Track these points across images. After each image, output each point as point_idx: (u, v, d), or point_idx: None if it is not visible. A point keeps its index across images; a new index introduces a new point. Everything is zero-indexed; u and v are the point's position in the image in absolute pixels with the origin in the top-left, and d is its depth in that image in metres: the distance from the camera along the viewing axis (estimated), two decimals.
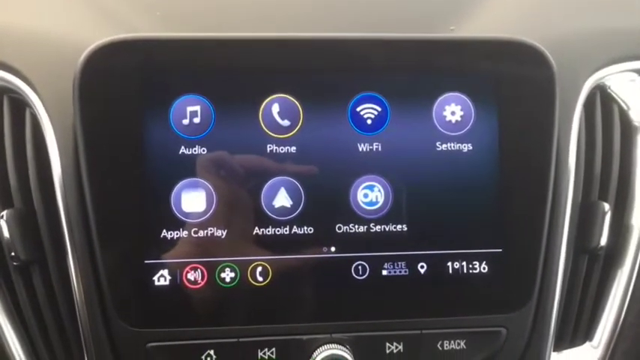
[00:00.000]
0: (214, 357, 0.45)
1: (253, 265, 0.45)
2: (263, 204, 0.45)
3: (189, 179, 0.45)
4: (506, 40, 0.47)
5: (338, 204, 0.46)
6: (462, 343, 0.47)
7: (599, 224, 0.51)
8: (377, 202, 0.46)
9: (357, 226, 0.46)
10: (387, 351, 0.47)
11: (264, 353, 0.46)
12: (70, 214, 0.45)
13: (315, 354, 0.46)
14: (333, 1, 0.57)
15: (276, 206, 0.46)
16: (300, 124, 0.46)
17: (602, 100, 0.54)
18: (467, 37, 0.49)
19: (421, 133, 0.47)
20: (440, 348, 0.47)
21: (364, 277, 0.46)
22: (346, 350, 0.46)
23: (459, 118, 0.47)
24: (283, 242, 0.45)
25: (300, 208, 0.46)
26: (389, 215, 0.46)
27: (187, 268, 0.45)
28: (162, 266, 0.45)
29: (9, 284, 0.47)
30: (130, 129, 0.44)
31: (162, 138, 0.44)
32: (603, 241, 0.51)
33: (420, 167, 0.46)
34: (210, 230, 0.45)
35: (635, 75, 0.54)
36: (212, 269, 0.45)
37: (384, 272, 0.46)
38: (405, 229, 0.47)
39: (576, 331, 0.53)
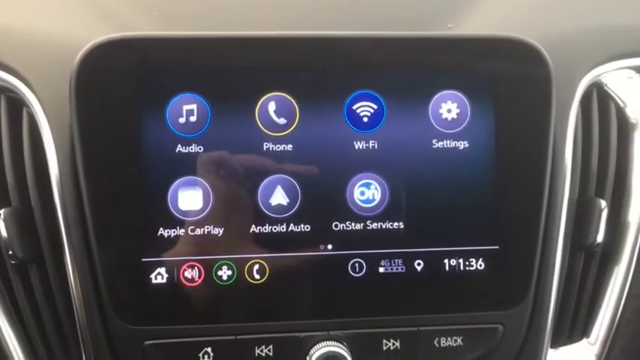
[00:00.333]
0: (212, 354, 0.45)
1: (250, 263, 0.45)
2: (260, 202, 0.45)
3: (185, 177, 0.45)
4: (502, 38, 0.47)
5: (335, 202, 0.46)
6: (459, 340, 0.47)
7: (596, 221, 0.51)
8: (373, 200, 0.46)
9: (353, 224, 0.46)
10: (384, 348, 0.47)
11: (262, 350, 0.46)
12: (68, 212, 0.45)
13: (312, 351, 0.46)
14: (331, 0, 0.57)
15: (273, 204, 0.46)
16: (296, 122, 0.46)
17: (599, 97, 0.54)
18: (463, 34, 0.49)
19: (417, 131, 0.47)
20: (437, 345, 0.47)
21: (361, 274, 0.46)
22: (343, 347, 0.46)
23: (456, 116, 0.47)
24: (280, 240, 0.46)
25: (296, 206, 0.46)
26: (385, 213, 0.46)
27: (184, 266, 0.45)
28: (160, 264, 0.45)
29: (7, 283, 0.47)
30: (126, 127, 0.44)
31: (158, 136, 0.44)
32: (600, 237, 0.51)
33: (417, 165, 0.47)
34: (207, 228, 0.45)
35: (631, 72, 0.54)
36: (209, 267, 0.45)
37: (381, 270, 0.47)
38: (402, 226, 0.47)
39: (573, 327, 0.53)
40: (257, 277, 0.46)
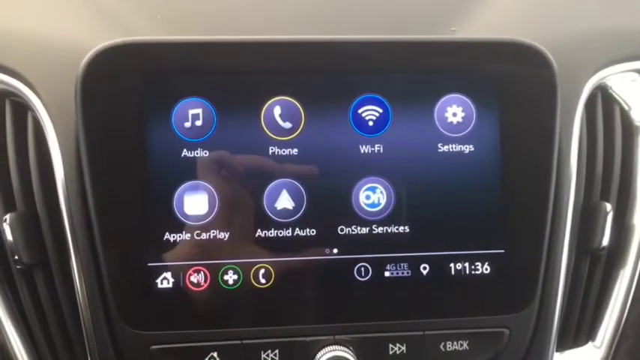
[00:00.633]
0: (217, 359, 0.45)
1: (256, 267, 0.45)
2: (265, 206, 0.45)
3: (191, 182, 0.45)
4: (507, 42, 0.47)
5: (340, 206, 0.46)
6: (465, 344, 0.47)
7: (601, 225, 0.51)
8: (379, 204, 0.46)
9: (359, 228, 0.46)
10: (390, 352, 0.47)
11: (268, 355, 0.46)
12: (73, 217, 0.45)
13: (318, 355, 0.46)
14: (334, 4, 0.57)
15: (279, 208, 0.46)
16: (301, 126, 0.46)
17: (604, 100, 0.54)
18: (468, 38, 0.49)
19: (423, 135, 0.47)
20: (443, 349, 0.47)
21: (367, 278, 0.46)
22: (349, 352, 0.46)
23: (461, 120, 0.47)
24: (286, 244, 0.46)
25: (302, 210, 0.46)
26: (391, 217, 0.46)
27: (190, 271, 0.45)
28: (165, 269, 0.45)
29: (12, 288, 0.47)
30: (132, 132, 0.44)
31: (164, 141, 0.44)
32: (605, 241, 0.51)
33: (422, 169, 0.47)
34: (213, 233, 0.45)
35: (636, 75, 0.54)
36: (215, 271, 0.45)
37: (387, 274, 0.47)
38: (407, 230, 0.47)
39: (579, 331, 0.53)
40: (263, 281, 0.46)
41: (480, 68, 0.48)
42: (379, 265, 0.46)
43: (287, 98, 0.46)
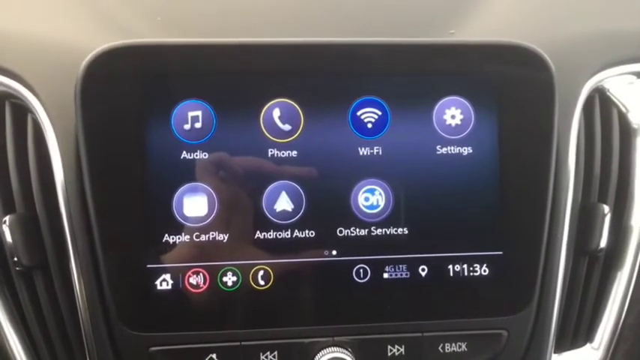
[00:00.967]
0: None
1: (255, 268, 0.46)
2: (264, 208, 0.46)
3: (190, 184, 0.45)
4: (505, 44, 0.48)
5: (339, 207, 0.46)
6: (464, 346, 0.47)
7: (599, 226, 0.51)
8: (378, 206, 0.47)
9: (358, 230, 0.46)
10: (389, 354, 0.47)
11: (267, 357, 0.46)
12: (73, 219, 0.45)
13: (317, 357, 0.46)
14: (333, 6, 0.57)
15: (278, 210, 0.46)
16: (301, 128, 0.46)
17: (601, 102, 0.54)
18: (466, 41, 0.49)
19: (421, 137, 0.47)
20: (441, 350, 0.47)
21: (365, 280, 0.46)
22: (348, 353, 0.46)
23: (459, 122, 0.47)
24: (285, 246, 0.46)
25: (301, 212, 0.46)
26: (390, 219, 0.47)
27: (189, 273, 0.45)
28: (165, 271, 0.45)
29: (12, 289, 0.47)
30: (131, 134, 0.44)
31: (163, 143, 0.45)
32: (603, 242, 0.51)
33: (421, 171, 0.47)
34: (212, 234, 0.45)
35: (633, 78, 0.54)
36: (214, 273, 0.45)
37: (385, 275, 0.47)
38: (406, 232, 0.47)
39: (577, 332, 0.53)
40: (262, 282, 0.46)
41: (478, 71, 0.48)
42: (378, 267, 0.47)
43: (286, 100, 0.46)
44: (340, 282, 0.46)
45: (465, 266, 0.47)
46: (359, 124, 0.46)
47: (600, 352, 0.53)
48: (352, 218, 0.46)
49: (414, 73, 0.48)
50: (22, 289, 0.47)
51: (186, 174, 0.45)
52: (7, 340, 0.46)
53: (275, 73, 0.46)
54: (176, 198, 0.45)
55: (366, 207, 0.46)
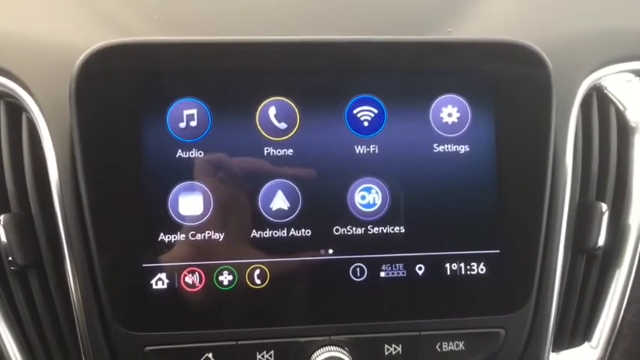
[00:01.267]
0: None
1: (251, 267, 0.45)
2: (260, 207, 0.45)
3: (186, 182, 0.45)
4: (502, 42, 0.48)
5: (335, 206, 0.46)
6: (461, 345, 0.47)
7: (597, 224, 0.51)
8: (374, 204, 0.46)
9: (354, 228, 0.46)
10: (386, 353, 0.47)
11: (263, 356, 0.46)
12: (68, 218, 0.45)
13: (313, 356, 0.46)
14: (330, 4, 0.57)
15: (274, 209, 0.46)
16: (297, 126, 0.46)
17: (599, 100, 0.54)
18: (463, 38, 0.49)
19: (418, 135, 0.47)
20: (438, 349, 0.47)
21: (362, 279, 0.46)
22: (345, 352, 0.46)
23: (456, 120, 0.47)
24: (281, 245, 0.45)
25: (297, 211, 0.46)
26: (386, 217, 0.46)
27: (185, 272, 0.45)
28: (160, 270, 0.45)
29: (6, 289, 0.47)
30: (126, 133, 0.44)
31: (159, 141, 0.44)
32: (601, 241, 0.51)
33: (417, 169, 0.47)
34: (208, 233, 0.45)
35: (631, 75, 0.54)
36: (210, 272, 0.45)
37: (382, 274, 0.46)
38: (403, 230, 0.47)
39: (575, 331, 0.53)
40: (258, 282, 0.45)
41: (475, 69, 0.48)
42: (375, 266, 0.46)
43: (282, 99, 0.46)
44: (337, 281, 0.46)
45: (462, 265, 0.47)
46: (355, 123, 0.46)
47: (598, 351, 0.52)
48: (349, 217, 0.46)
49: (410, 71, 0.47)
50: (17, 289, 0.47)
51: (182, 173, 0.45)
52: (2, 339, 0.46)
53: (271, 72, 0.46)
54: (171, 197, 0.45)
55: (363, 205, 0.46)
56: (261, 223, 0.45)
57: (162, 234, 0.45)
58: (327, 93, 0.46)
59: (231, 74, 0.46)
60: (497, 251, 0.47)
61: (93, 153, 0.44)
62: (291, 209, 0.46)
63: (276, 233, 0.45)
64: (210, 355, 0.45)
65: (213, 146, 0.45)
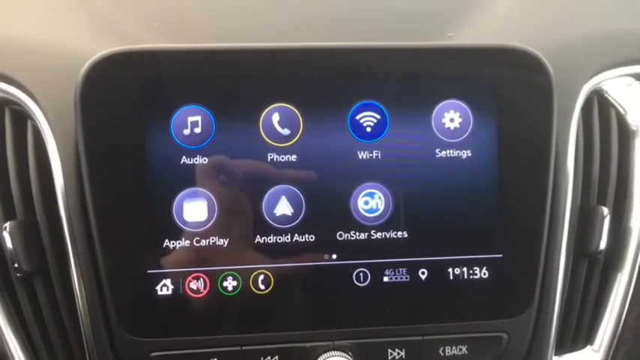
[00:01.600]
0: None
1: (255, 273, 0.46)
2: (264, 212, 0.46)
3: (190, 189, 0.45)
4: (503, 47, 0.48)
5: (339, 211, 0.46)
6: (464, 349, 0.47)
7: (599, 228, 0.51)
8: (377, 210, 0.47)
9: (357, 234, 0.46)
10: (389, 357, 0.47)
11: None
12: (73, 224, 0.45)
13: None
14: (332, 11, 0.57)
15: (278, 214, 0.46)
16: (300, 132, 0.46)
17: (600, 105, 0.54)
18: (464, 44, 0.50)
19: (420, 141, 0.47)
20: (442, 354, 0.47)
21: (365, 283, 0.47)
22: (348, 357, 0.46)
23: (458, 125, 0.47)
24: (285, 250, 0.46)
25: (301, 216, 0.46)
26: (389, 222, 0.47)
27: (190, 278, 0.45)
28: (165, 276, 0.45)
29: (12, 295, 0.47)
30: (131, 139, 0.44)
31: (163, 148, 0.45)
32: (603, 244, 0.51)
33: (420, 174, 0.47)
34: (212, 239, 0.45)
35: (631, 79, 0.55)
36: (214, 278, 0.45)
37: (385, 279, 0.47)
38: (406, 235, 0.47)
39: (577, 334, 0.53)
40: (262, 287, 0.46)
41: (476, 74, 0.48)
42: (378, 271, 0.47)
43: (285, 105, 0.46)
44: (340, 286, 0.46)
45: (465, 269, 0.47)
46: (358, 128, 0.46)
47: (601, 354, 0.52)
48: (352, 222, 0.46)
49: (412, 77, 0.48)
50: (23, 295, 0.47)
51: (186, 179, 0.45)
52: (9, 346, 0.46)
53: (274, 78, 0.46)
54: (176, 203, 0.45)
55: (366, 211, 0.47)
56: (265, 229, 0.46)
57: (166, 240, 0.45)
58: (330, 99, 0.46)
59: (234, 81, 0.46)
60: (500, 256, 0.47)
61: (98, 160, 0.44)
62: (295, 215, 0.46)
63: (279, 239, 0.46)
64: None
65: (217, 152, 0.45)
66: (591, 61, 0.53)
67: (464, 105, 0.48)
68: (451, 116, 0.47)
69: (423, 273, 0.47)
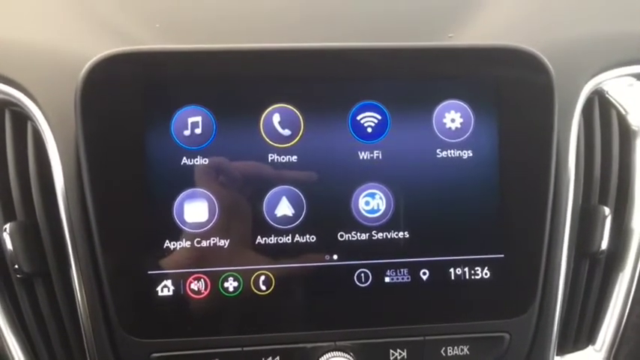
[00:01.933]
0: None
1: (256, 274, 0.46)
2: (265, 213, 0.46)
3: (191, 190, 0.45)
4: (504, 48, 0.48)
5: (340, 212, 0.46)
6: (466, 349, 0.47)
7: (600, 228, 0.51)
8: (378, 210, 0.47)
9: (359, 234, 0.46)
10: (391, 358, 0.47)
11: None
12: (73, 225, 0.45)
13: None
14: (333, 11, 0.58)
15: (278, 215, 0.46)
16: (300, 133, 0.46)
17: (601, 105, 0.54)
18: (465, 44, 0.50)
19: (421, 141, 0.47)
20: (443, 354, 0.47)
21: (367, 284, 0.46)
22: (350, 358, 0.46)
23: (459, 125, 0.47)
24: (286, 251, 0.46)
25: (302, 217, 0.46)
26: (390, 223, 0.47)
27: (191, 278, 0.45)
28: (166, 277, 0.45)
29: (12, 297, 0.47)
30: (131, 140, 0.44)
31: (164, 149, 0.45)
32: (604, 244, 0.51)
33: (421, 174, 0.47)
34: (213, 240, 0.45)
35: (632, 79, 0.55)
36: (215, 279, 0.45)
37: (387, 279, 0.47)
38: (407, 236, 0.47)
39: (579, 334, 0.53)
40: (263, 288, 0.46)
41: (477, 74, 0.48)
42: (379, 271, 0.47)
43: (286, 106, 0.46)
44: (341, 286, 0.46)
45: (467, 269, 0.47)
46: (359, 129, 0.46)
47: (602, 354, 0.52)
48: (353, 222, 0.46)
49: (413, 77, 0.48)
50: (23, 297, 0.47)
51: (187, 180, 0.45)
52: (9, 347, 0.46)
53: (274, 79, 0.46)
54: (177, 204, 0.45)
55: (367, 211, 0.46)
56: (266, 230, 0.46)
57: (167, 241, 0.45)
58: (330, 99, 0.46)
59: (235, 81, 0.46)
60: (501, 256, 0.47)
61: (98, 160, 0.44)
62: (296, 215, 0.46)
63: (280, 239, 0.46)
64: None
65: (218, 153, 0.45)
66: (592, 61, 0.53)
67: (465, 105, 0.47)
68: (452, 116, 0.47)
69: (424, 273, 0.47)
